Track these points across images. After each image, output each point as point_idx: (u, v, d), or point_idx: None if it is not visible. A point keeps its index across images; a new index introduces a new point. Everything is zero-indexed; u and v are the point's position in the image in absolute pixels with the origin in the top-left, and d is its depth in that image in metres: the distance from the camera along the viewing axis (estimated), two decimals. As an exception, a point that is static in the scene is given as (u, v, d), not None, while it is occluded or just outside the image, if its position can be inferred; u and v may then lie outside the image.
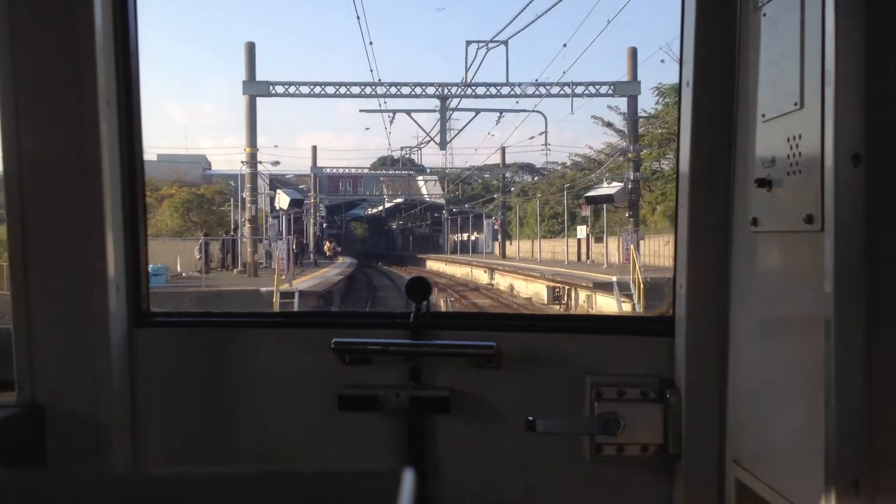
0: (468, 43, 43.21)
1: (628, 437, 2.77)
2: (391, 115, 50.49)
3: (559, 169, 74.91)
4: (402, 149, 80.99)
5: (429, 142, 57.73)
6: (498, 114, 48.87)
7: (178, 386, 2.96)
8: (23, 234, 2.71)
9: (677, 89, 2.84)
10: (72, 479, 1.16)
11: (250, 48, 40.88)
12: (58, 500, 1.04)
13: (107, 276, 2.76)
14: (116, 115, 2.81)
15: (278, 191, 51.70)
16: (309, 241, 64.03)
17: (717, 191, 2.62)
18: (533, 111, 48.14)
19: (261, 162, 44.06)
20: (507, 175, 77.32)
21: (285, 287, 30.26)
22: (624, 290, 29.64)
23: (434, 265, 72.94)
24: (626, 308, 28.36)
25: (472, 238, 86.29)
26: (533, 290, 40.67)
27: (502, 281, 48.87)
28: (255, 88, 40.53)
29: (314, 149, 70.11)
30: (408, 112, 49.12)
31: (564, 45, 58.59)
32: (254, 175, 41.13)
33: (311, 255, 59.15)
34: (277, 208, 51.36)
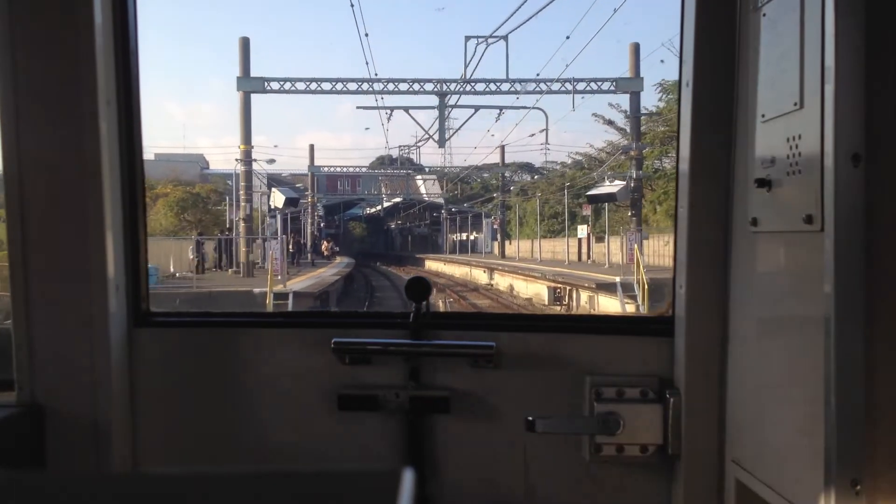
0: (467, 38, 42.85)
1: (628, 437, 2.77)
2: (388, 112, 50.11)
3: (558, 168, 74.89)
4: (400, 147, 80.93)
5: (427, 140, 57.40)
6: (497, 111, 48.37)
7: (177, 386, 2.96)
8: (22, 234, 2.71)
9: (678, 88, 2.84)
10: (71, 479, 1.15)
11: (244, 43, 40.20)
12: (57, 500, 1.04)
13: (106, 276, 2.76)
14: (116, 115, 2.81)
15: (273, 189, 51.06)
16: (306, 240, 63.95)
17: (717, 191, 2.62)
18: (533, 108, 47.58)
19: (255, 160, 43.56)
20: (507, 175, 77.30)
21: (279, 288, 29.82)
22: (628, 290, 29.11)
23: (433, 265, 72.97)
24: (631, 310, 27.73)
25: (471, 238, 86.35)
26: (533, 291, 40.43)
27: (502, 281, 48.78)
28: (250, 85, 39.92)
29: (311, 147, 70.07)
30: (405, 109, 48.68)
31: (567, 38, 58.26)
32: (248, 173, 40.58)
33: (309, 255, 58.99)
34: (272, 207, 50.97)
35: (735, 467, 2.58)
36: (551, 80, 41.91)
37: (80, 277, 2.74)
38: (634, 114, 42.84)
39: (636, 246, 34.37)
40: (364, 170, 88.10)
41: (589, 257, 52.48)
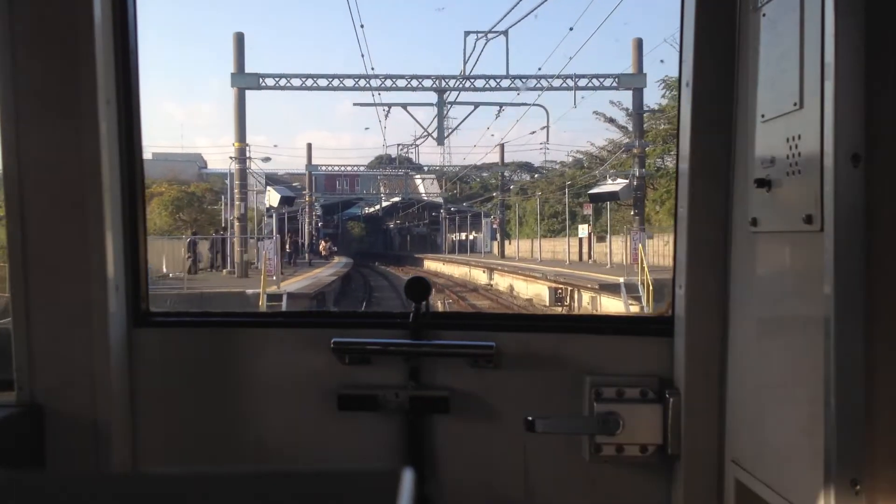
0: (467, 33, 41.89)
1: (627, 437, 2.77)
2: (386, 109, 49.36)
3: (558, 168, 74.78)
4: (399, 146, 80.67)
5: (426, 138, 57.02)
6: (497, 108, 47.38)
7: (177, 386, 2.96)
8: (22, 234, 2.71)
9: (678, 87, 2.84)
10: (71, 479, 1.16)
11: (239, 39, 39.03)
12: (57, 500, 1.04)
13: (106, 275, 2.76)
14: (116, 115, 2.81)
15: (268, 188, 50.16)
16: (304, 240, 63.77)
17: (717, 191, 2.62)
18: (534, 104, 46.93)
19: (250, 157, 42.54)
20: (506, 174, 77.20)
21: (273, 289, 28.97)
22: (632, 292, 28.45)
23: (432, 265, 72.92)
24: (635, 312, 27.04)
25: (471, 237, 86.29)
26: (534, 292, 40.10)
27: (502, 281, 48.63)
28: (244, 81, 38.77)
29: (309, 146, 69.75)
30: (403, 105, 47.62)
31: (571, 29, 57.29)
32: (242, 171, 39.53)
33: (306, 255, 58.69)
34: (267, 206, 50.46)
35: (735, 467, 2.58)
36: (552, 77, 40.88)
37: (79, 277, 2.74)
38: (637, 110, 41.80)
39: (640, 246, 33.60)
40: (363, 169, 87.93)
41: (590, 257, 52.31)
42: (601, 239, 50.60)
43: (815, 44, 2.01)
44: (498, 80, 41.33)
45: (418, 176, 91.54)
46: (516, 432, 2.80)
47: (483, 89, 42.19)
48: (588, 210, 54.73)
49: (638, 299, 27.96)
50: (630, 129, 48.81)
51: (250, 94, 39.60)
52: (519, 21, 63.01)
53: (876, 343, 1.96)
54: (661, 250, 38.71)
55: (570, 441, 2.86)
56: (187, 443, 2.97)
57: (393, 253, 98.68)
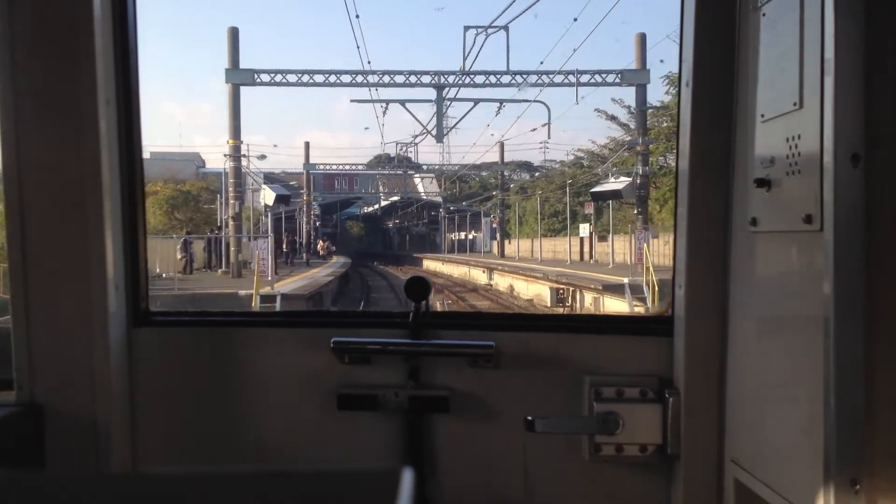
0: (466, 28, 40.65)
1: (627, 436, 2.77)
2: (384, 105, 48.25)
3: (557, 167, 74.63)
4: (397, 144, 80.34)
5: (425, 136, 56.58)
6: (497, 104, 45.91)
7: (177, 385, 2.96)
8: (22, 234, 2.71)
9: (678, 87, 2.84)
10: (71, 479, 1.16)
11: (233, 34, 37.98)
12: (57, 500, 1.04)
13: (106, 275, 2.76)
14: (115, 115, 2.80)
15: (263, 186, 49.46)
16: (302, 239, 63.61)
17: (717, 190, 2.62)
18: (535, 101, 45.64)
19: (245, 155, 41.70)
20: (506, 174, 77.09)
21: (266, 290, 28.46)
22: (636, 292, 27.79)
23: (431, 265, 72.90)
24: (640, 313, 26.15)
25: (470, 237, 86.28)
26: (534, 292, 39.73)
27: (501, 281, 48.48)
28: (239, 77, 37.81)
29: (306, 145, 69.56)
30: (401, 102, 46.48)
31: (575, 20, 56.16)
32: (237, 169, 38.54)
33: (304, 255, 58.43)
34: (263, 204, 49.83)
35: (734, 467, 2.58)
36: (554, 73, 39.63)
37: (79, 277, 2.74)
38: (640, 107, 40.78)
39: (645, 245, 32.98)
40: (361, 168, 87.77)
41: (591, 257, 52.07)
42: (603, 238, 50.37)
43: (815, 43, 2.01)
44: (498, 76, 40.28)
45: (417, 175, 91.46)
46: (516, 432, 2.80)
47: (483, 85, 41.05)
48: (589, 209, 54.51)
49: (643, 300, 27.35)
50: (632, 126, 48.34)
51: (249, 93, 39.38)
52: (519, 16, 62.38)
53: (876, 343, 1.96)
54: (661, 250, 38.40)
55: (569, 441, 2.86)
56: (187, 443, 2.97)
57: (392, 252, 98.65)
